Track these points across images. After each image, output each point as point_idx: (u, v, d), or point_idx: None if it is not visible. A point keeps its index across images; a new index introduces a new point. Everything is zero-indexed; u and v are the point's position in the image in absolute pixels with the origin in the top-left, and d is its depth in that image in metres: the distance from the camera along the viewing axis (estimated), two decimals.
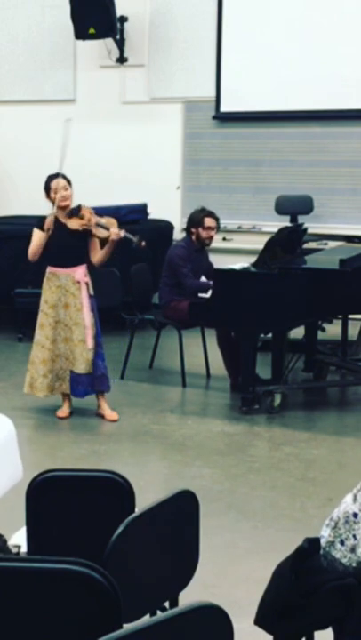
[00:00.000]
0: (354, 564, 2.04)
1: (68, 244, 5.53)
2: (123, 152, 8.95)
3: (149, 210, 8.69)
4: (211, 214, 6.51)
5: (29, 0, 9.42)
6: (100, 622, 1.85)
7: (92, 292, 5.63)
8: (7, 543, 2.65)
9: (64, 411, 5.78)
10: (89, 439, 5.39)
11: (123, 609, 1.88)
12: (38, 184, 9.98)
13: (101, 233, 5.57)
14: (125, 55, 9.12)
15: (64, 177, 5.59)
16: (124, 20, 8.95)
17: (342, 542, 2.05)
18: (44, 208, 8.94)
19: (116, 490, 2.50)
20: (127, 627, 1.70)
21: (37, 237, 5.57)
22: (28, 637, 1.92)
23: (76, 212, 5.58)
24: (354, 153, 8.44)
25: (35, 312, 7.68)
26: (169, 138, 9.05)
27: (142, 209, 8.66)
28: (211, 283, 6.22)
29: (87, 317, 5.56)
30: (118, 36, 8.94)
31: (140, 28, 9.04)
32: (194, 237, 6.50)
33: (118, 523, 2.21)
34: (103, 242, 5.64)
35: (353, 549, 2.04)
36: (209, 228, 6.47)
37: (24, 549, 2.69)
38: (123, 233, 5.58)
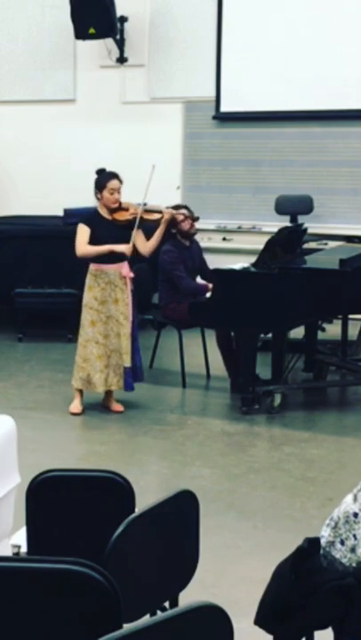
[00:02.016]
0: (354, 564, 2.04)
1: (115, 240, 5.56)
2: (123, 152, 8.94)
3: None
4: (176, 208, 6.42)
5: (29, 0, 9.42)
6: (100, 622, 1.85)
7: (132, 287, 5.68)
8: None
9: (77, 407, 5.78)
10: (89, 439, 5.40)
11: (123, 609, 1.87)
12: (38, 184, 10.00)
13: (153, 216, 5.65)
14: (125, 55, 9.12)
15: (119, 178, 5.61)
16: (124, 20, 8.95)
17: (342, 542, 2.05)
18: (44, 208, 8.99)
19: (116, 490, 2.50)
20: (127, 627, 1.70)
21: (84, 235, 5.58)
22: (28, 637, 1.92)
23: (119, 207, 5.62)
24: (354, 153, 8.44)
25: (35, 312, 7.68)
26: (169, 138, 9.05)
27: None
28: (208, 285, 6.22)
29: (130, 311, 5.63)
30: (118, 36, 8.94)
31: (140, 28, 9.04)
32: (178, 236, 6.45)
33: (118, 523, 2.21)
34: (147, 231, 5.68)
35: (353, 549, 2.04)
36: (183, 221, 6.38)
37: (24, 549, 2.70)
38: (175, 211, 5.65)
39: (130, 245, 5.55)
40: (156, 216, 5.65)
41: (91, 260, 5.64)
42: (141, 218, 5.60)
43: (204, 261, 6.64)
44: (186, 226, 6.41)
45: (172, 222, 6.18)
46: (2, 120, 9.67)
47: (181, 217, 6.32)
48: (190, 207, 6.76)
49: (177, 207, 6.46)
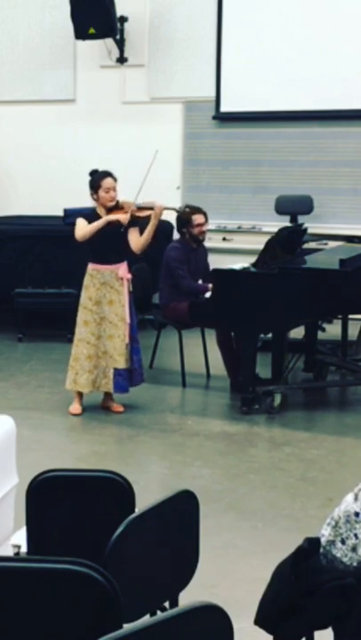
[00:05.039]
0: (355, 564, 2.04)
1: (111, 241, 5.57)
2: (123, 152, 8.95)
3: None
4: (197, 210, 6.47)
5: (29, 0, 9.42)
6: (100, 622, 1.85)
7: (131, 289, 5.67)
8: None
9: (77, 408, 5.79)
10: (89, 439, 5.39)
11: (123, 609, 1.87)
12: (38, 184, 9.98)
13: (145, 213, 5.63)
14: (125, 55, 9.12)
15: (113, 176, 5.62)
16: (124, 20, 8.95)
17: (343, 541, 2.05)
18: (44, 208, 8.98)
19: (116, 490, 2.50)
20: (127, 627, 1.70)
21: (83, 223, 5.58)
22: (28, 637, 1.92)
23: (116, 205, 5.63)
24: (354, 153, 8.44)
25: (35, 312, 7.67)
26: (169, 138, 9.04)
27: None
28: (208, 286, 6.22)
29: (127, 313, 5.61)
30: (118, 36, 8.94)
31: (140, 28, 9.04)
32: (187, 237, 6.48)
33: (118, 523, 2.20)
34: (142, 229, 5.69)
35: (354, 548, 2.04)
36: (199, 225, 6.44)
37: (24, 549, 2.69)
38: (165, 205, 5.66)
39: (127, 215, 5.52)
40: (148, 212, 5.65)
41: (90, 259, 5.64)
42: (135, 216, 5.60)
43: (208, 266, 6.63)
44: (196, 231, 6.43)
45: (184, 222, 6.23)
46: (2, 120, 9.67)
47: (201, 221, 6.41)
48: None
49: (195, 211, 6.46)
